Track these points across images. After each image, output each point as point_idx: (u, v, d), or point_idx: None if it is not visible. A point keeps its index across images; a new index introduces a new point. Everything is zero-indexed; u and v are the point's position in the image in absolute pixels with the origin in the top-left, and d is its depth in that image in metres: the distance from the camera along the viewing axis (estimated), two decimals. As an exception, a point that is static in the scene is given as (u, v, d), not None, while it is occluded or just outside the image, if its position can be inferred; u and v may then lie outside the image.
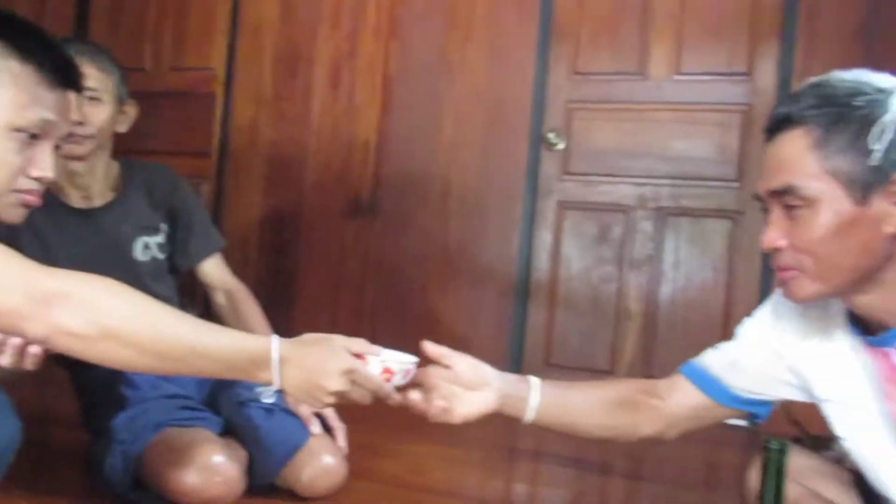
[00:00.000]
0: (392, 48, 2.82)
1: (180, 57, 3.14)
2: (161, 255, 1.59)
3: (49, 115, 1.03)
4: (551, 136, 2.61)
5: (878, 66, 2.35)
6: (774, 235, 0.89)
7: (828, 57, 2.30)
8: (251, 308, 1.65)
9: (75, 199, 1.53)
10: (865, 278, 0.85)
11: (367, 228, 2.83)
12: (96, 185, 1.54)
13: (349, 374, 0.97)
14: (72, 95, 1.08)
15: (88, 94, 1.46)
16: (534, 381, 1.11)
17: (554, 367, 2.61)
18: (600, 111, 2.60)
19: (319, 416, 1.53)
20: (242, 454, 1.46)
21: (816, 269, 0.86)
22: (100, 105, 1.49)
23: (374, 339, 3.01)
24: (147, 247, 1.57)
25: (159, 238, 1.59)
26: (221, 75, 3.06)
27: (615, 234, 2.57)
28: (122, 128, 1.56)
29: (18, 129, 1.00)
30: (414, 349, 2.85)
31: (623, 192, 2.57)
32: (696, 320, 2.45)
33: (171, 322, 0.94)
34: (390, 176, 2.82)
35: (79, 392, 1.60)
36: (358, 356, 1.00)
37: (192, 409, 1.48)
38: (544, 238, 2.64)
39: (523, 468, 1.92)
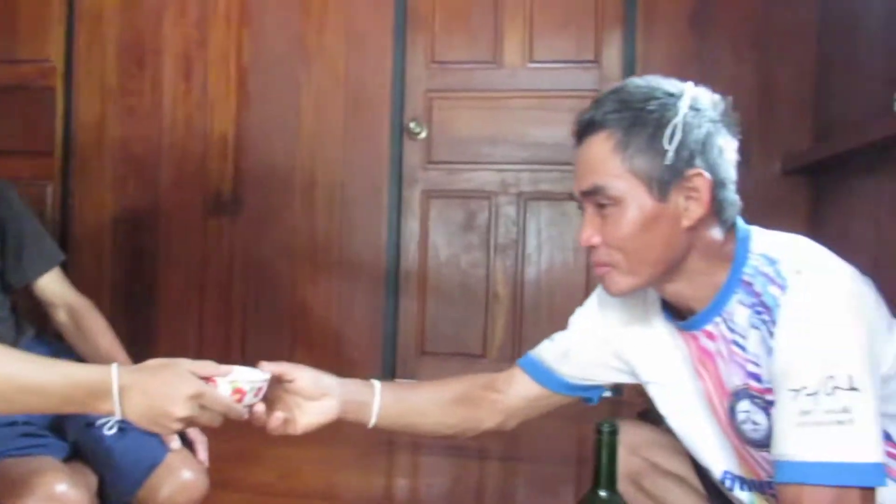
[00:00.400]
0: (245, 36, 2.72)
1: (12, 48, 2.89)
2: (-11, 273, 1.47)
3: None
4: (413, 125, 2.62)
5: (710, 51, 2.50)
6: (588, 233, 0.94)
7: (665, 44, 2.43)
8: (97, 324, 1.56)
9: None
10: (671, 269, 0.92)
11: (230, 225, 2.73)
12: None
13: (196, 398, 0.94)
14: None
15: None
16: (376, 384, 1.12)
17: (428, 355, 2.64)
18: (459, 99, 2.63)
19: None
20: (91, 479, 1.38)
21: (627, 264, 0.92)
22: None
23: (245, 340, 2.93)
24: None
25: (-17, 253, 1.46)
26: (60, 67, 2.84)
27: (480, 221, 2.62)
28: None
29: None
30: (285, 348, 2.81)
31: (485, 178, 2.62)
32: (560, 300, 2.54)
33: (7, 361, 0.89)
34: (251, 170, 2.73)
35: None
36: (206, 379, 0.97)
37: (34, 435, 1.38)
38: (411, 227, 2.65)
39: (401, 461, 1.94)
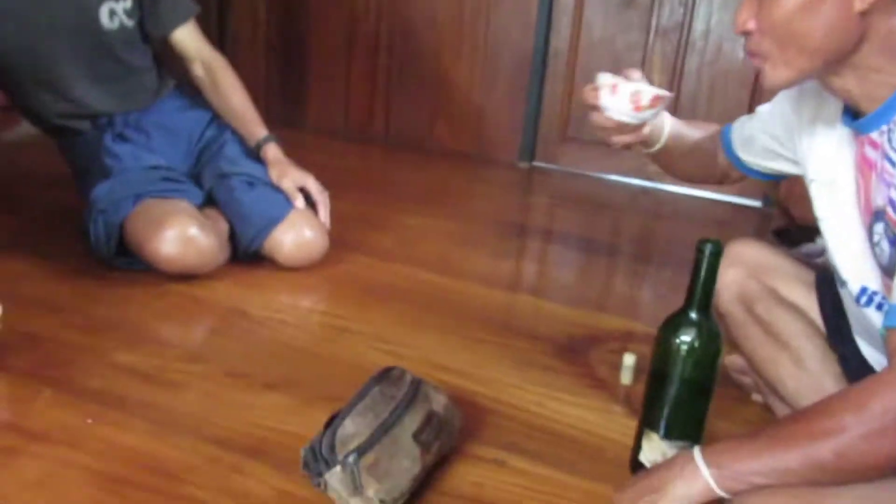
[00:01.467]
0: None
1: None
2: (129, 23, 1.50)
3: None
4: None
5: None
6: (744, 17, 0.80)
7: None
8: (230, 80, 1.59)
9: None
10: (837, 61, 0.77)
11: (380, -13, 2.63)
12: None
13: None
14: None
15: None
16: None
17: (571, 141, 2.53)
18: None
19: (304, 190, 1.54)
20: (222, 226, 1.50)
21: (781, 54, 0.78)
22: None
23: (388, 108, 2.94)
24: (113, 13, 1.48)
25: (125, 3, 1.49)
26: None
27: (644, -2, 2.33)
28: None
29: None
30: (425, 119, 2.80)
31: (657, -53, 2.28)
32: (720, 98, 2.28)
33: None
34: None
35: (65, 158, 1.62)
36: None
37: (174, 180, 1.49)
38: (565, 1, 2.42)
39: (525, 246, 1.92)
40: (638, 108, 0.93)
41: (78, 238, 1.50)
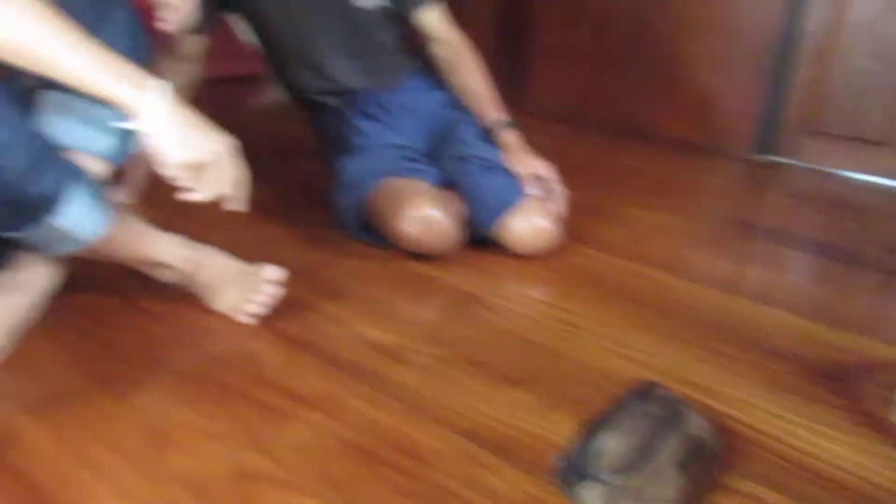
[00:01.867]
0: None
1: None
2: (382, 2, 1.55)
3: None
4: None
5: None
6: None
7: None
8: (470, 61, 1.59)
9: (300, -54, 1.50)
10: None
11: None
12: None
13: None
14: None
15: None
16: None
17: (819, 136, 2.30)
18: None
19: (538, 177, 1.51)
20: (459, 207, 1.51)
21: None
22: None
23: (611, 87, 2.84)
24: (369, -8, 1.53)
25: (382, -17, 1.54)
26: None
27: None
28: None
29: None
30: (647, 103, 2.67)
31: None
32: None
33: (44, 31, 0.87)
34: None
35: (316, 133, 1.71)
36: None
37: (414, 160, 1.52)
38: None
39: (759, 249, 1.77)
40: None
41: (326, 207, 1.58)
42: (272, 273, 1.20)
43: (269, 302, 1.20)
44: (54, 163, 0.99)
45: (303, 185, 1.89)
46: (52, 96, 1.02)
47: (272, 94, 2.87)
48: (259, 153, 2.09)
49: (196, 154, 0.96)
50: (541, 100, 2.73)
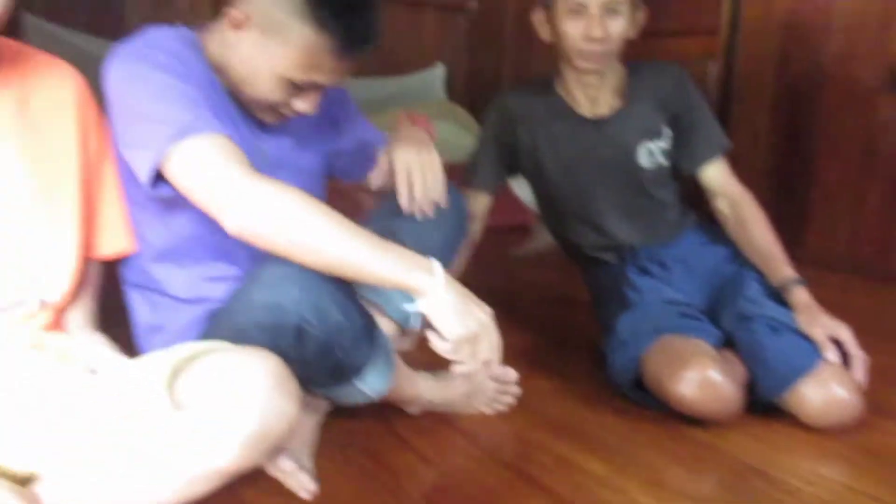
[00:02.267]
0: None
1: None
2: (664, 161, 1.57)
3: (321, 80, 1.09)
4: None
5: None
6: None
7: None
8: (753, 215, 1.53)
9: (585, 109, 1.58)
10: None
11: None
12: (605, 93, 1.57)
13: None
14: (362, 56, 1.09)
15: (609, 6, 1.45)
16: None
17: None
18: None
19: (837, 341, 1.37)
20: (741, 371, 1.41)
21: None
22: (617, 17, 1.46)
23: (888, 246, 2.56)
24: (651, 153, 1.56)
25: (662, 143, 1.57)
26: (731, -60, 2.78)
27: None
28: (633, 34, 1.54)
29: (289, 80, 1.08)
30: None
31: None
32: None
33: (338, 229, 0.98)
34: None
35: (588, 286, 1.74)
36: None
37: (692, 317, 1.47)
38: None
39: None
40: None
41: (593, 361, 1.57)
42: (508, 374, 1.39)
43: (512, 402, 1.40)
44: (370, 338, 1.13)
45: (567, 336, 1.90)
46: None
47: (536, 243, 2.99)
48: (522, 302, 2.19)
49: (470, 328, 1.02)
50: (822, 249, 2.53)
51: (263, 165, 1.05)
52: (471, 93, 3.99)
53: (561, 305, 2.13)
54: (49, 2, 2.85)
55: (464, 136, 3.43)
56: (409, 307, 1.03)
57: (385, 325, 1.22)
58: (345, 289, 1.10)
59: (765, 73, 2.71)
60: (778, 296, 1.47)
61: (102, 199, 1.09)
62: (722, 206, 1.57)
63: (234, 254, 1.18)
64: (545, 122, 1.60)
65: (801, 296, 1.43)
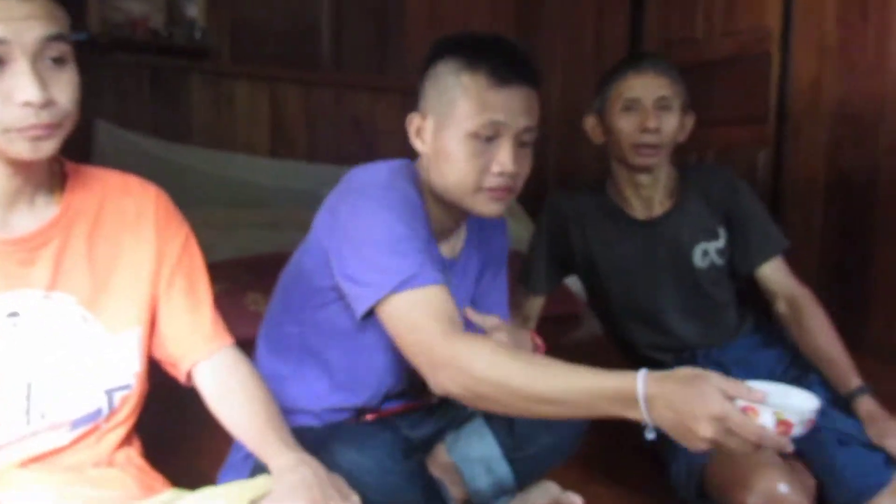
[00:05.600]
0: None
1: (732, 20, 3.01)
2: (720, 261, 1.56)
3: (497, 117, 1.11)
4: None
5: None
6: None
7: None
8: (816, 318, 1.50)
9: (638, 210, 1.60)
10: None
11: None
12: (657, 194, 1.58)
13: (721, 421, 0.87)
14: (525, 90, 1.14)
15: (661, 102, 1.50)
16: None
17: None
18: None
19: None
20: (810, 482, 1.36)
21: None
22: (670, 113, 1.51)
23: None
24: (706, 253, 1.56)
25: (718, 243, 1.56)
26: (777, 31, 2.82)
27: None
28: (682, 137, 1.56)
29: (474, 135, 1.11)
30: None
31: None
32: None
33: (530, 375, 0.97)
34: None
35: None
36: (745, 408, 0.88)
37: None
38: None
39: None
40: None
41: (654, 466, 1.52)
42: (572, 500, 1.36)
43: None
44: None
45: (622, 436, 1.84)
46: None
47: (584, 331, 2.96)
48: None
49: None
50: (883, 340, 2.44)
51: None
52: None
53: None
54: (118, 107, 3.03)
55: (510, 224, 3.46)
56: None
57: (455, 491, 1.24)
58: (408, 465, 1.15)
59: (817, 162, 2.70)
60: (843, 402, 1.42)
61: (185, 307, 1.07)
62: (782, 307, 1.55)
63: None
64: (597, 223, 1.61)
65: (868, 406, 1.38)
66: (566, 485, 1.43)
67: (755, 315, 1.64)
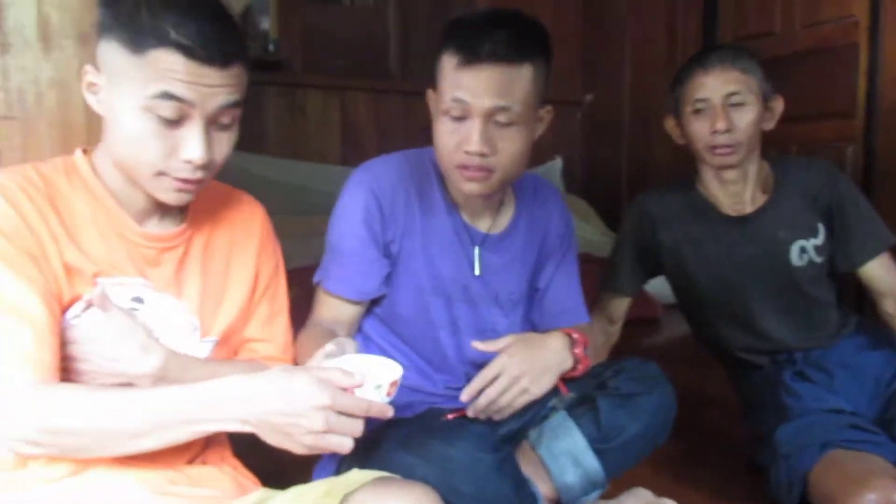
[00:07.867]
0: None
1: (814, 11, 2.89)
2: (819, 259, 1.48)
3: (460, 95, 1.10)
4: None
5: None
6: None
7: None
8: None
9: (728, 207, 1.53)
10: None
11: None
12: (748, 190, 1.51)
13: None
14: (498, 69, 1.10)
15: (732, 99, 1.43)
16: None
17: None
18: None
19: None
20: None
21: None
22: (744, 109, 1.44)
23: None
24: (804, 250, 1.48)
25: (817, 240, 1.48)
26: (865, 22, 2.69)
27: None
28: (769, 125, 1.49)
29: (445, 113, 1.12)
30: None
31: None
32: None
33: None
34: None
35: (737, 390, 1.63)
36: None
37: (864, 429, 1.34)
38: None
39: None
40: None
41: (747, 472, 1.45)
42: None
43: None
44: None
45: (711, 440, 1.79)
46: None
47: (662, 335, 2.89)
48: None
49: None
50: None
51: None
52: (588, 183, 3.99)
53: (699, 405, 2.01)
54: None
55: (582, 226, 3.43)
56: None
57: (544, 488, 1.21)
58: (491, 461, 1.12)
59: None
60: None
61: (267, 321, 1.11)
62: (886, 306, 1.46)
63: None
64: (686, 222, 1.55)
65: None
66: (657, 491, 1.38)
67: (858, 315, 1.55)
